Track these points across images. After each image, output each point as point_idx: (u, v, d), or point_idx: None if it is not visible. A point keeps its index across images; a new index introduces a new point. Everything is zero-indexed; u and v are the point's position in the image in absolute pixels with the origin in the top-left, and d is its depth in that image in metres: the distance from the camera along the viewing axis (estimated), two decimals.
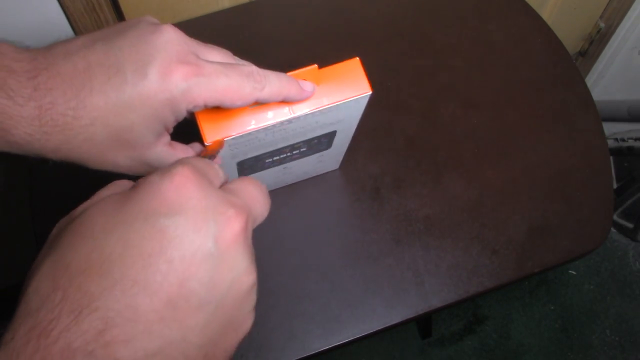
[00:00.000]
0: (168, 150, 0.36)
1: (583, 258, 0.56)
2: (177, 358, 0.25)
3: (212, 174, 0.29)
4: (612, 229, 1.24)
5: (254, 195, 0.30)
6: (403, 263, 0.54)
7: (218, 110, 0.38)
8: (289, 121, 0.40)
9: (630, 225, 1.21)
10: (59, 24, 0.64)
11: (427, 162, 0.59)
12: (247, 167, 0.48)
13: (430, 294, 0.53)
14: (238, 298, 0.28)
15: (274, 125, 0.40)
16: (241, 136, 0.40)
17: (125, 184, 0.30)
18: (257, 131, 0.40)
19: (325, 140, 0.49)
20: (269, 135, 0.42)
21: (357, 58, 0.41)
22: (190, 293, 0.25)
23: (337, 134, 0.48)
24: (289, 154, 0.48)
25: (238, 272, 0.27)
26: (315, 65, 0.39)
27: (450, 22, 0.67)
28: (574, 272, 1.22)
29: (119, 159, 0.34)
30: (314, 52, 0.65)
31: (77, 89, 0.31)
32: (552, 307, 1.19)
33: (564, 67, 0.65)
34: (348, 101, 0.41)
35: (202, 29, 0.67)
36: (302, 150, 0.48)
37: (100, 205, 0.27)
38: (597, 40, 1.03)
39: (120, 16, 0.65)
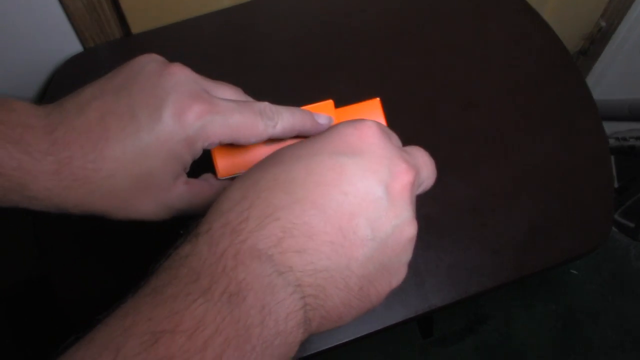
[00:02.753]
0: (188, 189, 0.37)
1: (584, 257, 0.56)
2: (338, 281, 0.28)
3: (393, 137, 0.33)
4: (614, 229, 1.24)
5: (425, 161, 0.34)
6: None
7: (233, 145, 0.38)
8: None
9: (632, 225, 1.21)
10: (59, 24, 0.64)
11: None
12: None
13: (431, 293, 0.53)
14: (398, 244, 0.29)
15: None
16: None
17: None
18: None
19: None
20: None
21: (378, 99, 0.42)
22: (358, 226, 0.28)
23: None
24: None
25: (402, 220, 0.29)
26: (331, 101, 0.40)
27: (450, 22, 0.67)
28: (575, 272, 1.22)
29: (143, 206, 0.35)
30: (314, 52, 0.65)
31: (93, 141, 0.32)
32: (553, 307, 1.18)
33: (564, 66, 0.65)
34: None
35: (202, 29, 0.67)
36: None
37: (289, 145, 0.30)
38: (598, 39, 1.02)
39: (120, 16, 0.65)
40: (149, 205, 0.35)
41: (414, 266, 0.54)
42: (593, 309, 1.18)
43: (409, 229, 0.30)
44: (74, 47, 0.67)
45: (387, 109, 0.62)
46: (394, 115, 0.62)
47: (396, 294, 0.53)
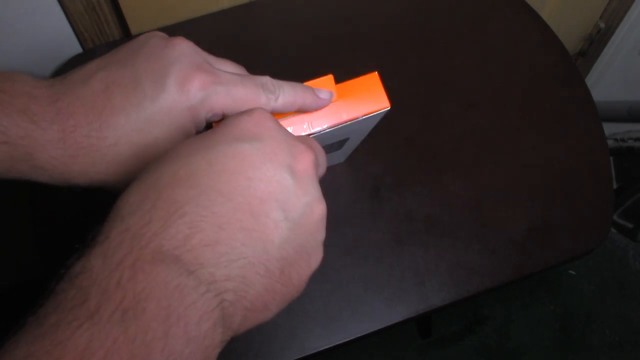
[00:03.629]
0: None
1: (583, 258, 0.56)
2: (258, 266, 0.27)
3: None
4: (612, 229, 1.24)
5: (317, 146, 0.33)
6: (403, 263, 0.54)
7: None
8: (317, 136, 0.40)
9: (630, 226, 1.21)
10: (59, 24, 0.64)
11: (427, 162, 0.59)
12: None
13: (430, 293, 0.53)
14: (311, 224, 0.29)
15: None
16: None
17: None
18: None
19: (336, 145, 0.49)
20: None
21: (376, 72, 0.42)
22: (270, 209, 0.27)
23: (349, 140, 0.50)
24: None
25: (311, 198, 0.29)
26: (331, 75, 0.40)
27: (450, 22, 0.67)
28: (574, 272, 1.22)
29: None
30: (313, 53, 0.65)
31: (98, 110, 0.32)
32: (552, 307, 1.19)
33: (563, 67, 0.65)
34: (367, 116, 0.42)
35: (202, 29, 0.67)
36: None
37: (187, 140, 0.29)
38: (597, 40, 1.03)
39: (120, 16, 0.65)
40: None
41: (414, 266, 0.54)
42: (591, 310, 1.18)
43: (319, 207, 0.30)
44: (73, 48, 0.67)
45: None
46: (394, 115, 0.62)
47: (396, 294, 0.53)
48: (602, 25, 0.99)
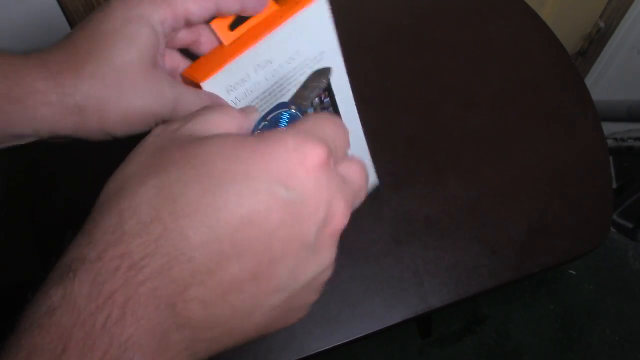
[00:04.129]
0: (171, 82, 0.36)
1: (583, 258, 0.56)
2: (236, 331, 0.24)
3: (340, 146, 0.28)
4: (612, 229, 1.24)
5: (361, 185, 0.29)
6: (402, 263, 0.54)
7: (204, 61, 0.38)
8: (264, 46, 0.41)
9: (630, 225, 1.21)
10: (58, 24, 0.64)
11: (427, 162, 0.59)
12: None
13: (430, 294, 0.53)
14: (311, 290, 0.27)
15: (255, 53, 0.41)
16: (233, 70, 0.40)
17: (237, 116, 0.29)
18: (246, 66, 0.41)
19: (326, 101, 0.49)
20: (261, 75, 0.43)
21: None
22: (276, 275, 0.24)
23: (333, 86, 0.49)
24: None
25: (323, 267, 0.26)
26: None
27: (450, 22, 0.67)
28: (574, 272, 1.22)
29: (135, 97, 0.34)
30: None
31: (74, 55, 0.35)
32: (552, 307, 1.19)
33: (563, 67, 0.65)
34: (305, 13, 0.43)
35: None
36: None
37: (220, 143, 0.25)
38: (597, 40, 1.03)
39: None
40: (140, 93, 0.34)
41: (413, 266, 0.54)
42: (591, 309, 1.18)
43: (326, 274, 0.27)
44: None
45: (387, 109, 0.62)
46: (394, 115, 0.62)
47: (396, 294, 0.53)
48: (602, 24, 0.99)
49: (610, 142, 1.17)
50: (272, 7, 0.42)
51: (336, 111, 0.50)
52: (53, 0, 0.60)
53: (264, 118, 0.32)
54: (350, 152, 0.43)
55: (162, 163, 0.24)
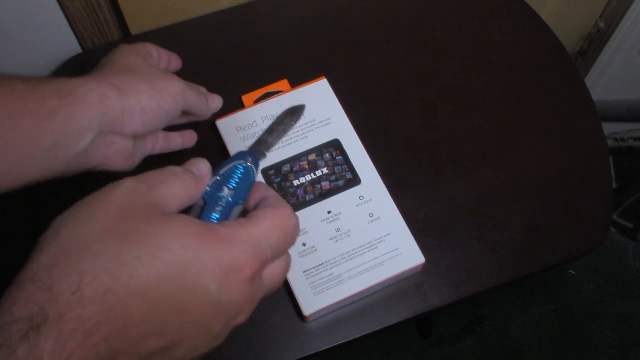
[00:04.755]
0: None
1: (582, 258, 0.56)
2: None
3: (281, 251, 0.32)
4: (612, 229, 1.24)
5: (279, 281, 0.33)
6: None
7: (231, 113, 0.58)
8: (270, 104, 0.58)
9: (630, 225, 1.21)
10: (58, 24, 0.64)
11: (427, 162, 0.59)
12: (277, 186, 0.54)
13: (430, 294, 0.53)
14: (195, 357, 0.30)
15: (262, 108, 0.57)
16: (242, 116, 0.57)
17: (191, 187, 0.32)
18: (254, 115, 0.57)
19: (338, 157, 0.55)
20: (267, 124, 0.56)
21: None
22: (178, 350, 0.28)
23: (347, 149, 0.56)
24: (312, 173, 0.54)
25: (212, 346, 0.30)
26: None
27: (450, 22, 0.67)
28: (574, 272, 1.22)
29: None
30: (313, 53, 0.65)
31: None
32: (552, 307, 1.19)
33: (563, 67, 0.65)
34: (309, 87, 0.59)
35: (201, 30, 0.67)
36: (324, 172, 0.54)
37: (180, 230, 0.28)
38: (597, 40, 1.03)
39: (119, 16, 0.65)
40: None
41: None
42: (591, 309, 1.18)
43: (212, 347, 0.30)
44: (72, 48, 0.67)
45: (388, 109, 0.62)
46: (394, 115, 0.62)
47: (395, 294, 0.53)
48: (602, 24, 0.99)
49: (610, 142, 1.17)
50: (287, 87, 0.60)
51: (353, 174, 0.55)
52: (53, 0, 0.60)
53: (217, 171, 0.34)
54: (380, 214, 0.53)
55: (125, 233, 0.26)
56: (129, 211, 0.27)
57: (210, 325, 0.28)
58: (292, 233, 0.32)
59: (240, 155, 0.36)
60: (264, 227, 0.30)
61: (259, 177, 0.54)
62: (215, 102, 0.50)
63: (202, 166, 0.33)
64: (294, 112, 0.53)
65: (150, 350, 0.26)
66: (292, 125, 0.49)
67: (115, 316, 0.24)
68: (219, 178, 0.34)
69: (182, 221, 0.28)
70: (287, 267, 0.33)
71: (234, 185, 0.34)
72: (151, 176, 0.30)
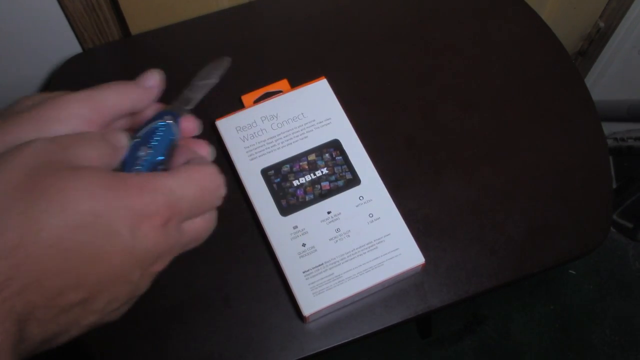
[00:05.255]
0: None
1: (583, 258, 0.56)
2: (54, 342, 0.27)
3: (198, 208, 0.31)
4: (612, 229, 1.24)
5: (200, 239, 0.33)
6: None
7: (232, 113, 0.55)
8: (270, 105, 0.58)
9: (630, 225, 1.21)
10: (58, 25, 0.64)
11: (427, 162, 0.59)
12: (277, 187, 0.54)
13: (430, 294, 0.53)
14: (121, 310, 0.30)
15: (262, 108, 0.57)
16: (242, 116, 0.57)
17: (107, 153, 0.30)
18: (254, 115, 0.57)
19: (338, 158, 0.55)
20: (267, 124, 0.57)
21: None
22: (98, 301, 0.28)
23: (347, 150, 0.56)
24: (311, 173, 0.54)
25: (135, 296, 0.30)
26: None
27: (450, 22, 0.67)
28: (574, 272, 1.22)
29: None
30: (313, 53, 0.65)
31: None
32: (552, 307, 1.19)
33: (563, 67, 0.65)
34: (309, 87, 0.59)
35: (201, 30, 0.67)
36: (324, 172, 0.54)
37: (89, 180, 0.27)
38: (597, 40, 1.03)
39: (119, 16, 0.65)
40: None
41: None
42: (591, 309, 1.18)
43: (135, 297, 0.30)
44: (72, 48, 0.67)
45: (387, 109, 0.62)
46: (394, 115, 0.62)
47: (395, 295, 0.53)
48: (602, 24, 0.99)
49: (610, 142, 1.17)
50: (287, 87, 0.60)
51: (353, 174, 0.55)
52: (53, 1, 0.60)
53: (136, 134, 0.33)
54: (381, 216, 0.53)
55: (33, 189, 0.26)
56: (38, 169, 0.27)
57: (128, 273, 0.28)
58: (214, 191, 0.32)
59: (160, 114, 0.35)
60: (181, 180, 0.30)
61: (259, 180, 0.54)
62: (149, 79, 0.38)
63: (120, 138, 0.32)
64: (215, 68, 0.46)
65: (70, 302, 0.26)
66: (215, 80, 0.44)
67: (27, 270, 0.25)
68: (138, 140, 0.32)
69: (91, 172, 0.28)
70: (210, 225, 0.33)
71: (154, 144, 0.33)
72: (66, 138, 0.29)
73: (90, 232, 0.26)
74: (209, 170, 0.32)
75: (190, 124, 0.36)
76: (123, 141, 0.32)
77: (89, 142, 0.30)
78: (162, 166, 0.33)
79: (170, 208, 0.29)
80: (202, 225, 0.32)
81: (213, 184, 0.32)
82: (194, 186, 0.31)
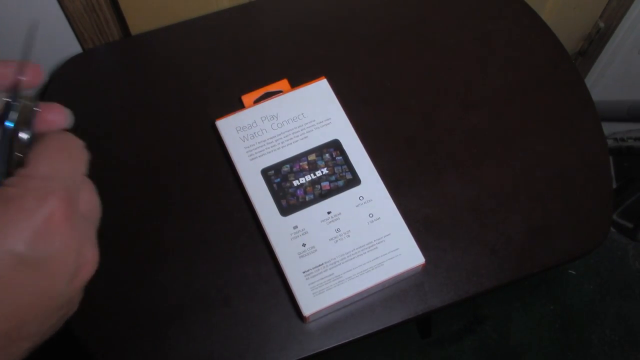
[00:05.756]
0: None
1: (583, 258, 0.56)
2: None
3: (77, 178, 0.27)
4: (612, 229, 1.24)
5: (97, 207, 0.29)
6: None
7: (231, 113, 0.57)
8: (270, 105, 0.58)
9: (630, 225, 1.21)
10: (58, 25, 0.64)
11: (427, 162, 0.59)
12: (277, 187, 0.54)
13: (430, 294, 0.53)
14: (55, 326, 0.27)
15: (262, 108, 0.57)
16: (242, 116, 0.57)
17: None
18: (255, 115, 0.57)
19: (338, 158, 0.55)
20: (267, 125, 0.56)
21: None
22: (25, 331, 0.25)
23: (346, 149, 0.56)
24: (311, 173, 0.54)
25: (69, 313, 0.27)
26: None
27: (450, 22, 0.67)
28: (574, 272, 1.22)
29: None
30: (313, 52, 0.65)
31: None
32: (552, 307, 1.19)
33: (563, 67, 0.65)
34: (309, 87, 0.59)
35: (202, 30, 0.67)
36: (324, 172, 0.54)
37: None
38: (597, 40, 1.03)
39: (119, 16, 0.65)
40: None
41: None
42: (591, 309, 1.18)
43: (71, 312, 0.28)
44: (72, 48, 0.67)
45: (387, 109, 0.62)
46: (394, 116, 0.62)
47: (396, 295, 0.53)
48: (602, 24, 0.99)
49: (610, 142, 1.17)
50: (287, 87, 0.60)
51: (353, 174, 0.55)
52: (53, 0, 0.60)
53: None
54: (381, 216, 0.53)
55: None
56: None
57: (46, 292, 0.25)
58: (78, 153, 0.28)
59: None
60: (48, 161, 0.26)
61: (259, 180, 0.54)
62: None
63: None
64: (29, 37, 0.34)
65: None
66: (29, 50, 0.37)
67: None
68: None
69: None
70: (93, 191, 0.29)
71: None
72: None
73: None
74: (64, 136, 0.28)
75: (52, 114, 0.29)
76: None
77: None
78: (22, 134, 0.28)
79: (61, 198, 0.25)
80: (89, 195, 0.28)
81: (73, 146, 0.28)
82: (63, 160, 0.27)
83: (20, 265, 0.23)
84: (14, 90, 0.29)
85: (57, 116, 0.29)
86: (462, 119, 0.61)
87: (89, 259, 0.26)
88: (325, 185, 0.54)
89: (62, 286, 0.25)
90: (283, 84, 0.61)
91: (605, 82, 1.10)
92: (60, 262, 0.25)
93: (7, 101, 0.28)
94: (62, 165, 0.26)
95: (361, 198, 0.53)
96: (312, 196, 0.53)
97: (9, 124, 0.27)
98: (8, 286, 0.23)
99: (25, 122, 0.28)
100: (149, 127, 0.61)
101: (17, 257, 0.23)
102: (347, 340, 0.51)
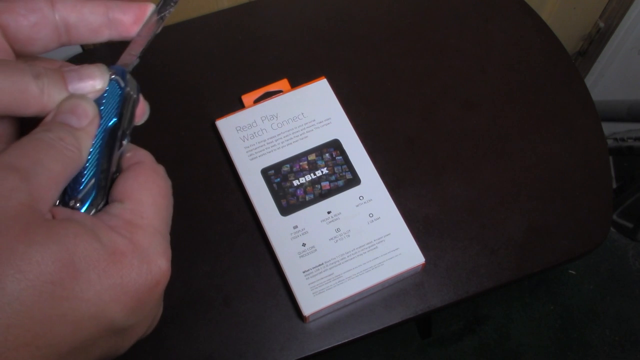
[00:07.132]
0: None
1: (583, 258, 0.56)
2: None
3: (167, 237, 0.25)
4: (612, 229, 1.24)
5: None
6: None
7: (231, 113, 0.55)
8: (270, 104, 0.58)
9: (630, 225, 1.21)
10: None
11: (427, 162, 0.59)
12: (277, 186, 0.54)
13: (430, 294, 0.53)
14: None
15: (262, 107, 0.57)
16: (242, 116, 0.57)
17: (101, 232, 0.23)
18: (254, 115, 0.57)
19: (338, 158, 0.55)
20: (267, 124, 0.57)
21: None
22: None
23: (347, 150, 0.56)
24: (311, 173, 0.54)
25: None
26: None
27: (450, 22, 0.67)
28: (574, 272, 1.22)
29: None
30: (313, 52, 0.65)
31: None
32: (552, 307, 1.19)
33: (563, 67, 0.65)
34: (309, 87, 0.59)
35: (201, 30, 0.67)
36: (324, 172, 0.54)
37: (91, 253, 0.21)
38: (597, 40, 1.03)
39: None
40: None
41: None
42: (591, 309, 1.18)
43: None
44: (72, 48, 0.67)
45: (387, 109, 0.62)
46: (394, 116, 0.62)
47: (395, 294, 0.53)
48: (602, 24, 0.99)
49: (610, 142, 1.17)
50: (287, 87, 0.60)
51: (353, 174, 0.55)
52: None
53: None
54: (381, 215, 0.53)
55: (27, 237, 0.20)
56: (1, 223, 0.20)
57: (119, 349, 0.24)
58: (170, 196, 0.26)
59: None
60: (154, 209, 0.24)
61: (259, 180, 0.54)
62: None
63: (86, 111, 0.23)
64: (161, 10, 0.33)
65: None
66: (158, 29, 0.35)
67: None
68: None
69: (72, 238, 0.21)
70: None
71: (101, 108, 0.26)
72: (24, 158, 0.21)
73: (74, 320, 0.21)
74: (163, 173, 0.26)
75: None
76: (90, 113, 0.24)
77: (52, 150, 0.22)
78: (121, 131, 0.27)
79: (163, 265, 0.24)
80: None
81: (169, 195, 0.26)
82: (162, 211, 0.25)
83: (109, 332, 0.22)
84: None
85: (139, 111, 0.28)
86: (462, 119, 0.61)
87: (157, 316, 0.26)
88: (325, 185, 0.54)
89: (130, 343, 0.24)
90: (283, 83, 0.61)
91: (605, 82, 1.10)
92: (142, 327, 0.24)
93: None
94: (165, 213, 0.25)
95: (361, 198, 0.53)
96: (312, 196, 0.53)
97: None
98: (89, 350, 0.22)
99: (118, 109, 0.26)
100: (148, 127, 0.61)
101: (111, 325, 0.22)
102: (347, 340, 0.51)
